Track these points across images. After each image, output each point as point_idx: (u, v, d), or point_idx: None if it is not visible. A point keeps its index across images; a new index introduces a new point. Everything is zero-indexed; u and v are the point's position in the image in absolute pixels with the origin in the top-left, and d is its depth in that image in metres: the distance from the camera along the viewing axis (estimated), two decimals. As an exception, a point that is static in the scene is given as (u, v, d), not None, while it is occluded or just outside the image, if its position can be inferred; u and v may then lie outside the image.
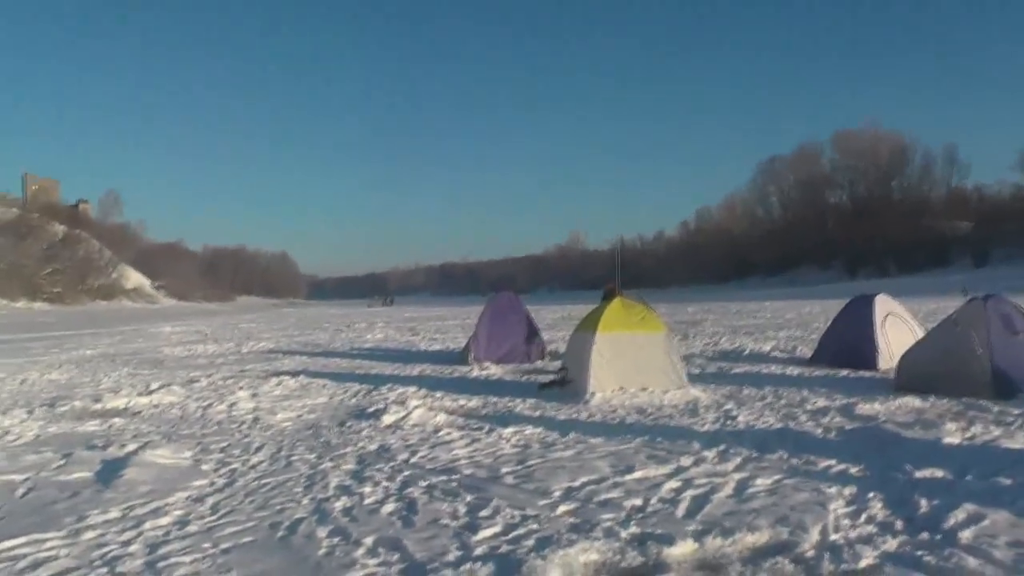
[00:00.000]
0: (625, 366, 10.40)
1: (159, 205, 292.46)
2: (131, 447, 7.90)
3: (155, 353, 21.78)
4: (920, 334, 12.16)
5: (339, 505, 5.66)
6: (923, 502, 5.20)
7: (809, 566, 4.19)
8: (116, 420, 9.81)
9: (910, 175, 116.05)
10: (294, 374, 14.28)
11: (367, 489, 6.07)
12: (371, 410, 9.77)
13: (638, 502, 5.46)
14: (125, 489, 6.26)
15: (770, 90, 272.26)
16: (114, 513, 5.60)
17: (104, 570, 4.45)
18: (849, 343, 12.97)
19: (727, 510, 5.21)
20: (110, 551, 4.77)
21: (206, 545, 4.83)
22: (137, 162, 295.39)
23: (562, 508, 5.38)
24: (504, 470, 6.55)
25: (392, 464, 6.92)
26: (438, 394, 11.14)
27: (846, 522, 4.89)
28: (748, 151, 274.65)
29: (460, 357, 16.12)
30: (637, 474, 6.24)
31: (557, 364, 12.59)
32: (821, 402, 9.48)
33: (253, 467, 7.00)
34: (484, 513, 5.32)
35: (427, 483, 6.20)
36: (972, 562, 4.14)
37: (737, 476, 6.08)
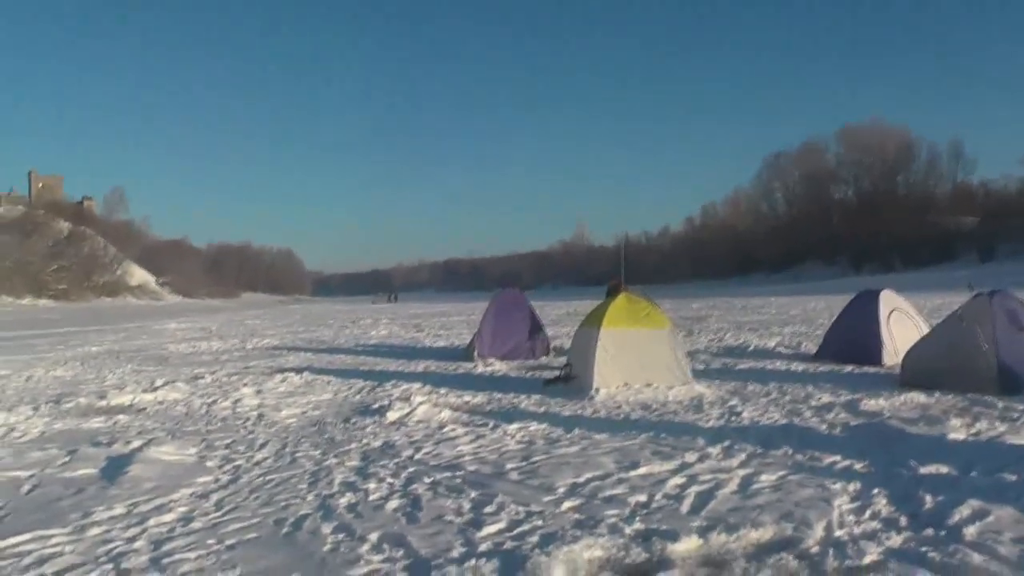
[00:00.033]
0: (630, 362, 10.40)
1: (164, 202, 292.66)
2: (136, 444, 7.92)
3: (160, 350, 21.82)
4: (925, 330, 12.13)
5: (344, 501, 5.67)
6: (928, 498, 5.19)
7: (813, 562, 4.18)
8: (121, 417, 9.83)
9: (916, 170, 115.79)
10: (299, 371, 14.30)
11: (371, 485, 6.08)
12: (375, 406, 9.77)
13: (642, 498, 5.46)
14: (130, 486, 6.28)
15: (775, 86, 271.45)
16: (119, 510, 5.61)
17: (109, 566, 4.46)
18: (854, 339, 12.94)
19: (731, 506, 5.21)
20: (115, 547, 4.78)
21: (211, 541, 4.83)
22: (142, 159, 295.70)
23: (566, 504, 5.38)
24: (509, 466, 6.55)
25: (396, 460, 6.93)
26: (442, 390, 11.14)
27: (851, 518, 4.89)
28: (753, 147, 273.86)
29: (464, 353, 16.11)
30: (642, 470, 6.24)
31: (562, 360, 12.59)
32: (826, 398, 9.47)
33: (258, 463, 7.01)
34: (489, 509, 5.32)
35: (431, 479, 6.20)
36: (977, 558, 4.13)
37: (741, 472, 6.08)
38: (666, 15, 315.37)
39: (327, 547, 4.69)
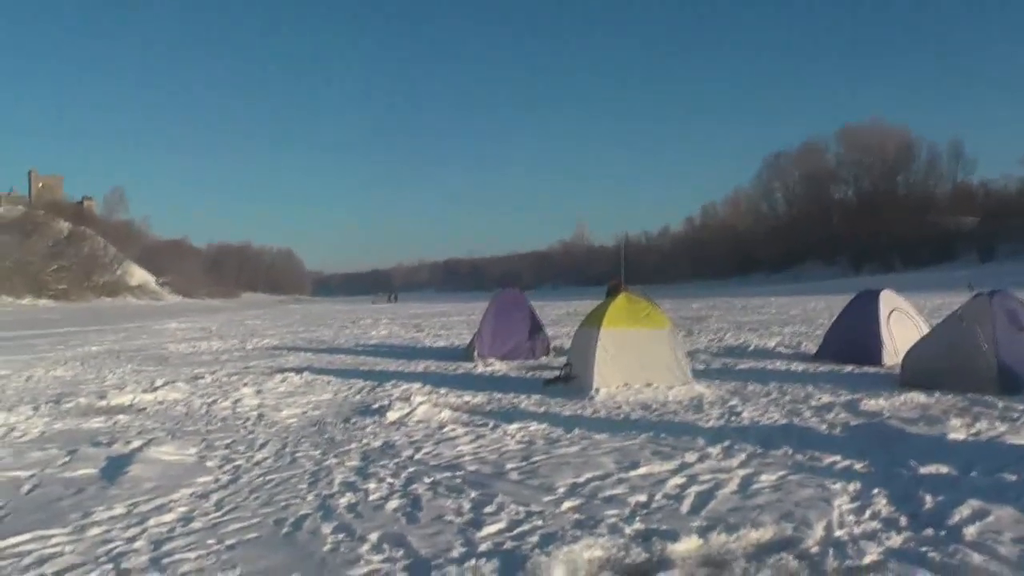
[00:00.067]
0: (630, 362, 10.40)
1: (164, 202, 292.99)
2: (136, 444, 7.93)
3: (160, 350, 21.82)
4: (925, 330, 12.13)
5: (344, 501, 5.67)
6: (928, 498, 5.19)
7: (813, 562, 4.18)
8: (121, 417, 9.83)
9: (916, 170, 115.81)
10: (299, 371, 14.30)
11: (371, 485, 6.08)
12: (375, 406, 9.77)
13: (642, 498, 5.46)
14: (130, 486, 6.28)
15: (775, 86, 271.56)
16: (119, 510, 5.61)
17: (109, 566, 4.46)
18: (854, 339, 12.94)
19: (731, 506, 5.21)
20: (115, 547, 4.78)
21: (211, 541, 4.84)
22: (142, 159, 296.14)
23: (566, 504, 5.38)
24: (509, 466, 6.55)
25: (396, 460, 6.93)
26: (442, 390, 11.14)
27: (850, 518, 4.89)
28: (753, 147, 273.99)
29: (465, 353, 16.11)
30: (642, 470, 6.24)
31: (562, 360, 12.59)
32: (826, 398, 9.48)
33: (258, 463, 7.01)
34: (488, 509, 5.32)
35: (431, 479, 6.20)
36: (977, 558, 4.13)
37: (741, 472, 6.08)
38: (666, 15, 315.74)
39: (327, 547, 4.70)
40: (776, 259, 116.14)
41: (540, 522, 5.01)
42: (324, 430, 8.59)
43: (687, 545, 4.49)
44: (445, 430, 8.24)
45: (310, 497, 5.84)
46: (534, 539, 4.66)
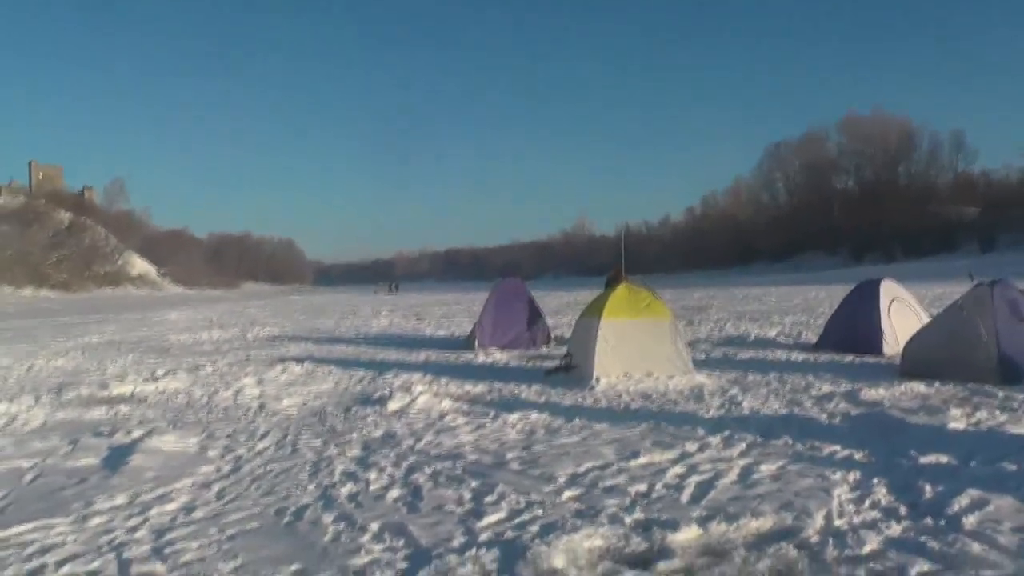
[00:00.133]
0: (630, 352, 10.41)
1: (164, 192, 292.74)
2: (137, 434, 7.94)
3: (161, 340, 21.83)
4: (926, 320, 12.14)
5: (345, 491, 5.69)
6: (927, 488, 5.19)
7: (813, 552, 4.19)
8: (122, 407, 9.85)
9: (917, 160, 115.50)
10: (299, 360, 14.31)
11: (372, 475, 6.09)
12: (376, 396, 9.79)
13: (643, 488, 5.47)
14: (131, 475, 6.29)
15: (776, 76, 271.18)
16: (121, 499, 5.63)
17: (111, 556, 4.48)
18: (854, 329, 12.95)
19: (731, 496, 5.22)
20: (117, 537, 4.80)
21: (212, 531, 4.85)
22: (142, 149, 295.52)
23: (567, 494, 5.40)
24: (509, 456, 6.56)
25: (397, 450, 6.94)
26: (443, 380, 11.15)
27: (850, 508, 4.90)
28: (754, 137, 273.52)
29: (465, 343, 16.12)
30: (642, 460, 6.25)
31: (562, 350, 12.59)
32: (826, 388, 9.48)
33: (259, 453, 7.02)
34: (489, 499, 5.34)
35: (432, 469, 6.22)
36: (976, 548, 4.14)
37: (742, 462, 6.09)
38: (667, 4, 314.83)
39: (328, 537, 4.71)
40: (777, 249, 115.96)
41: (540, 512, 5.02)
42: (325, 420, 8.60)
43: (687, 535, 4.50)
44: (446, 420, 8.25)
45: (311, 487, 5.85)
46: (534, 529, 4.68)
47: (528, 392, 9.93)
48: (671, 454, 6.40)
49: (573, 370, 10.81)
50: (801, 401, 8.71)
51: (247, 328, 26.06)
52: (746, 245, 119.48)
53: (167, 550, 4.54)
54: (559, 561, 4.18)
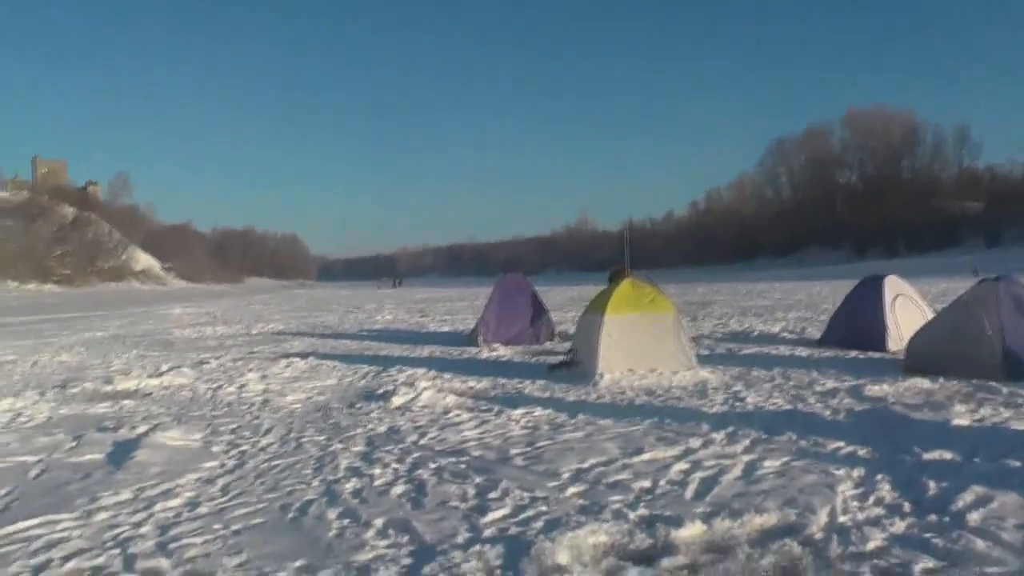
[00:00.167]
0: (634, 348, 10.40)
1: (168, 187, 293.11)
2: (142, 429, 7.95)
3: (165, 335, 21.87)
4: (930, 315, 12.12)
5: (349, 487, 5.69)
6: (931, 484, 5.18)
7: (817, 548, 4.19)
8: (127, 402, 9.87)
9: (921, 155, 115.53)
10: (303, 356, 14.33)
11: (377, 471, 6.10)
12: (380, 392, 9.80)
13: (647, 484, 5.47)
14: (136, 471, 6.30)
15: (780, 71, 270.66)
16: (125, 495, 5.64)
17: (116, 551, 4.49)
18: (858, 324, 12.93)
19: (735, 492, 5.22)
20: (122, 532, 4.81)
21: (217, 526, 4.86)
22: (146, 144, 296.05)
23: (571, 490, 5.40)
24: (513, 452, 6.56)
25: (401, 446, 6.95)
26: (447, 376, 11.16)
27: (854, 504, 4.89)
28: (758, 132, 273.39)
29: (469, 339, 16.11)
30: (646, 456, 6.25)
31: (566, 345, 12.59)
32: (830, 383, 9.47)
33: (263, 449, 7.03)
34: (493, 495, 5.34)
35: (436, 465, 6.22)
36: (980, 544, 4.14)
37: (746, 458, 6.08)
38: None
39: (332, 532, 4.72)
40: (780, 244, 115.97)
41: (545, 508, 5.02)
42: (329, 415, 8.61)
43: (691, 531, 4.50)
44: (450, 415, 8.25)
45: (315, 482, 5.86)
46: (538, 525, 4.68)
47: (532, 388, 9.93)
48: (675, 450, 6.40)
49: (577, 366, 10.81)
50: (805, 397, 8.70)
51: (251, 323, 26.09)
52: (750, 240, 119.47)
53: (172, 545, 4.54)
54: (563, 557, 4.18)
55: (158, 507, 5.31)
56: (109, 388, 10.99)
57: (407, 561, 4.22)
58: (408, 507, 5.18)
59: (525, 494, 5.32)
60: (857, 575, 3.88)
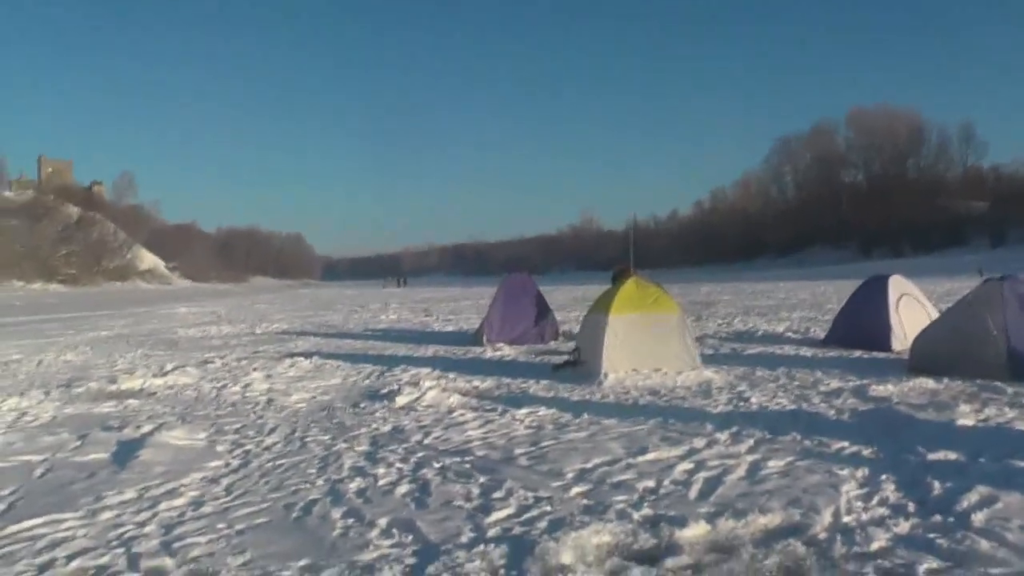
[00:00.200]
0: (638, 347, 10.39)
1: (173, 187, 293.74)
2: (146, 428, 7.96)
3: (169, 334, 21.91)
4: (935, 315, 12.09)
5: (353, 486, 5.69)
6: (936, 484, 5.17)
7: (821, 548, 4.18)
8: (131, 401, 9.88)
9: (926, 154, 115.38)
10: (308, 355, 14.33)
11: (381, 470, 6.10)
12: (385, 391, 9.80)
13: (651, 484, 5.47)
14: (141, 470, 6.31)
15: (786, 70, 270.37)
16: (130, 494, 5.65)
17: (120, 550, 4.50)
18: (863, 324, 12.90)
19: (740, 492, 5.21)
20: (126, 531, 4.82)
21: (221, 526, 4.87)
22: (151, 144, 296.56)
23: (575, 490, 5.39)
24: (517, 451, 6.56)
25: (406, 445, 6.95)
26: (451, 375, 11.16)
27: (858, 504, 4.88)
28: (764, 131, 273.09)
29: (474, 338, 16.12)
30: (650, 456, 6.24)
31: (571, 345, 12.59)
32: (834, 383, 9.46)
33: (267, 448, 7.04)
34: (497, 495, 5.34)
35: (440, 464, 6.22)
36: (985, 545, 4.13)
37: (750, 458, 6.08)
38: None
39: (337, 532, 4.72)
40: (785, 243, 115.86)
41: (549, 507, 5.02)
42: (333, 415, 8.62)
43: (695, 531, 4.49)
44: (454, 415, 8.25)
45: (320, 482, 5.86)
46: (543, 524, 4.68)
47: (536, 387, 9.93)
48: (679, 450, 6.40)
49: (581, 365, 10.81)
50: (809, 397, 8.69)
51: (255, 323, 26.12)
52: (754, 239, 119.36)
53: (176, 545, 4.55)
54: (567, 557, 4.18)
55: (162, 506, 5.32)
56: (114, 387, 11.00)
57: (411, 561, 4.22)
58: (412, 507, 5.18)
59: (529, 494, 5.32)
60: (861, 575, 3.87)
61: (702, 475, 5.65)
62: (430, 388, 9.61)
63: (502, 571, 4.06)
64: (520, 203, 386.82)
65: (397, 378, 11.04)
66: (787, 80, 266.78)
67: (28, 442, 7.50)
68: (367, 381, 11.05)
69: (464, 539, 4.51)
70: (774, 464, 5.86)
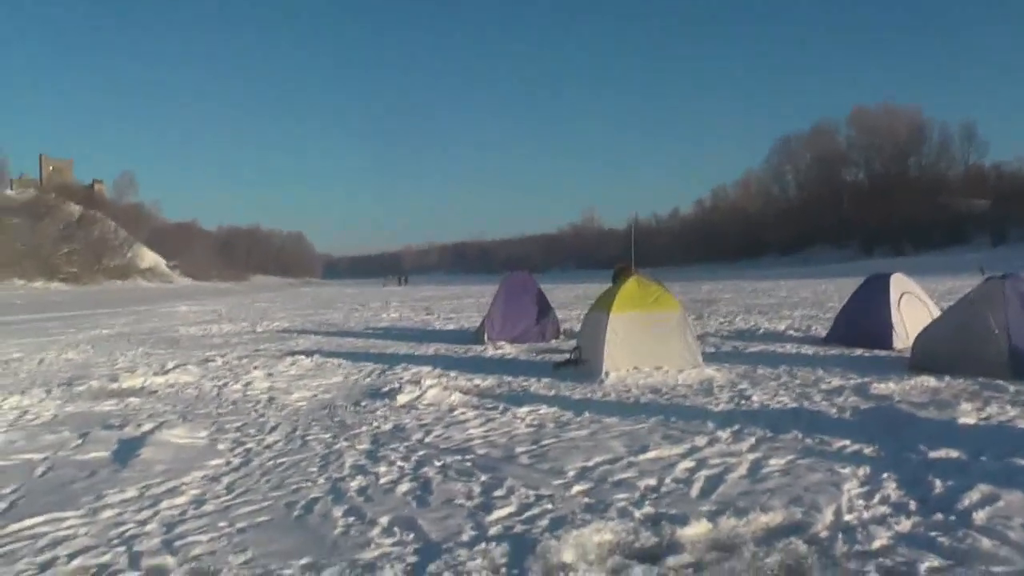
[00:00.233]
0: (639, 345, 10.38)
1: (174, 185, 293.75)
2: (147, 427, 7.96)
3: (170, 332, 21.91)
4: (936, 313, 12.08)
5: (354, 485, 5.69)
6: (937, 483, 5.17)
7: (823, 547, 4.18)
8: (132, 399, 9.88)
9: (927, 153, 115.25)
10: (309, 354, 14.33)
11: (382, 469, 6.10)
12: (386, 390, 9.79)
13: (652, 482, 5.47)
14: (142, 468, 6.31)
15: (786, 69, 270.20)
16: (131, 492, 5.65)
17: (122, 549, 4.50)
18: (864, 322, 12.89)
19: (741, 490, 5.21)
20: (127, 530, 4.82)
21: (222, 524, 4.87)
22: (152, 142, 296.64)
23: (576, 488, 5.39)
24: (518, 450, 6.56)
25: (407, 444, 6.95)
26: (452, 373, 11.16)
27: (860, 503, 4.88)
28: (765, 130, 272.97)
29: (475, 336, 16.13)
30: (651, 454, 6.24)
31: (572, 343, 12.58)
32: (836, 381, 9.45)
33: (268, 447, 7.04)
34: (498, 493, 5.34)
35: (442, 463, 6.22)
36: (986, 543, 4.13)
37: (751, 456, 6.07)
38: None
39: (338, 530, 4.72)
40: (786, 242, 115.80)
41: (550, 506, 5.02)
42: (334, 413, 8.62)
43: (696, 529, 4.49)
44: (455, 413, 8.25)
45: (321, 480, 5.86)
46: (544, 523, 4.68)
47: (537, 386, 9.92)
48: (680, 448, 6.39)
49: (582, 364, 10.81)
50: (811, 395, 8.68)
51: (256, 321, 26.12)
52: (756, 238, 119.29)
53: (177, 543, 4.55)
54: (568, 555, 4.17)
55: (163, 505, 5.32)
56: (115, 386, 11.01)
57: (412, 559, 4.23)
58: (413, 505, 5.18)
59: (530, 492, 5.32)
60: (863, 574, 3.87)
61: (703, 473, 5.65)
62: (431, 386, 9.60)
63: (503, 569, 4.06)
64: (521, 202, 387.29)
65: (398, 376, 11.04)
66: (788, 79, 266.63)
67: (29, 440, 7.51)
68: (368, 379, 11.05)
69: (465, 537, 4.51)
70: (775, 462, 5.86)
